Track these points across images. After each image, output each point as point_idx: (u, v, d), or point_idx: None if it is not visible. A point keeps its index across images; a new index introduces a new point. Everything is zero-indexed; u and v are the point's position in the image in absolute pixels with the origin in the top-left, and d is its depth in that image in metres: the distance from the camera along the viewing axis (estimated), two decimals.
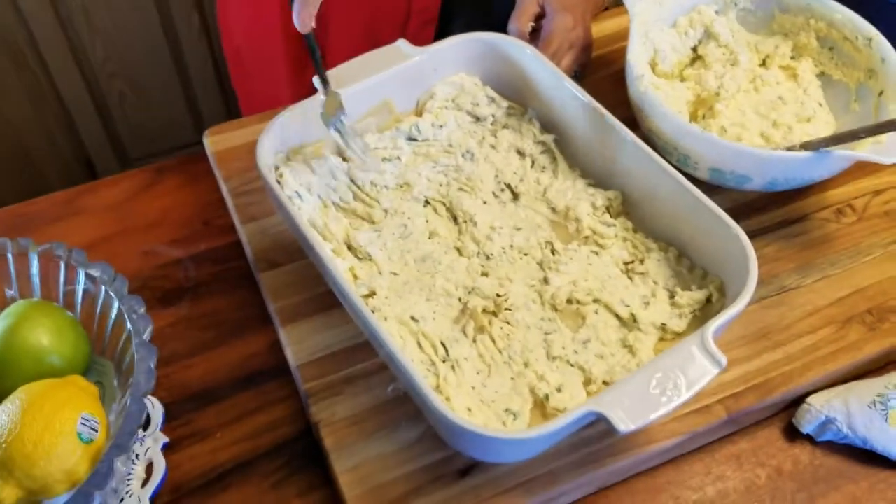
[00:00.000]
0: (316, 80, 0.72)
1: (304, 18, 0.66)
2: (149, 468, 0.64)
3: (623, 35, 0.91)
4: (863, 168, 0.83)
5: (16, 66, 1.57)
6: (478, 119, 0.81)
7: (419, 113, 0.81)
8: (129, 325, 0.58)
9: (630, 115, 0.80)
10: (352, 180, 0.75)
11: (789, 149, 0.74)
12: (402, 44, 0.78)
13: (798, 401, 0.69)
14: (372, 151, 0.75)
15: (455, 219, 0.75)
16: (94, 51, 1.62)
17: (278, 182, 0.72)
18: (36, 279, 0.65)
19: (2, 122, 1.63)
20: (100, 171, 1.79)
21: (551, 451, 0.64)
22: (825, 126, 0.80)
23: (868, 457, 0.67)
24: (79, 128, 1.73)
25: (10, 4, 1.48)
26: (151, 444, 0.65)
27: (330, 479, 0.64)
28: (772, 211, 0.80)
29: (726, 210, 0.65)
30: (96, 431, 0.54)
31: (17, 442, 0.52)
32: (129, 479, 0.62)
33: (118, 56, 1.65)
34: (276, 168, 0.73)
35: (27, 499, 0.53)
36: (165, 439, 0.66)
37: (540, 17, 0.88)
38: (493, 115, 0.81)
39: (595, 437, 0.65)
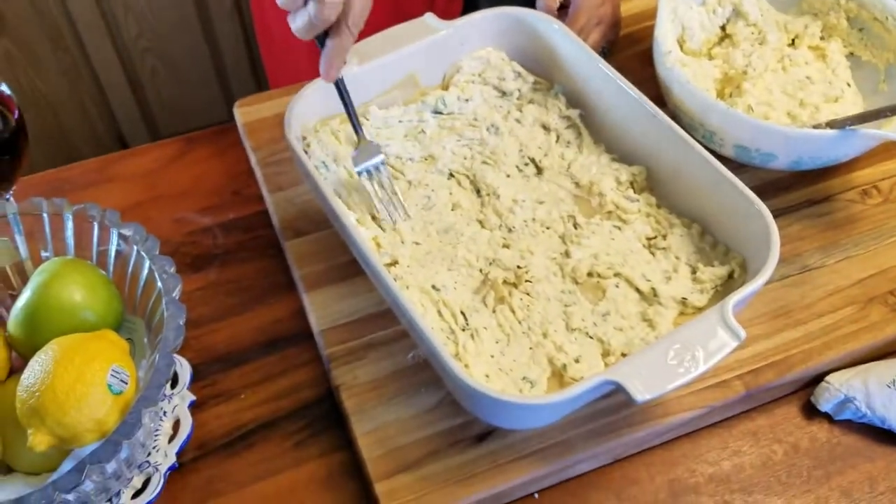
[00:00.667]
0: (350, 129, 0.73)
1: (330, 75, 0.68)
2: (176, 425, 0.66)
3: (651, 14, 0.90)
4: (889, 150, 0.83)
5: (53, 44, 1.60)
6: (503, 93, 0.81)
7: (445, 87, 0.81)
8: (159, 283, 0.60)
9: (656, 93, 0.80)
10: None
11: (815, 127, 0.74)
12: (428, 17, 0.79)
13: (817, 379, 0.69)
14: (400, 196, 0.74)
15: (478, 191, 0.75)
16: (127, 27, 1.65)
17: (305, 152, 0.73)
18: (70, 239, 0.67)
19: (38, 97, 1.67)
20: (131, 146, 1.82)
21: (568, 419, 0.64)
22: (853, 107, 0.79)
23: (886, 436, 0.67)
24: (111, 103, 1.76)
25: None
26: (179, 401, 0.66)
27: (350, 441, 0.66)
28: (797, 190, 0.80)
29: (751, 188, 0.65)
30: (126, 384, 0.56)
31: (50, 391, 0.54)
32: (156, 435, 0.64)
33: (151, 32, 1.67)
34: (304, 138, 0.75)
35: (58, 446, 0.55)
36: (192, 398, 0.67)
37: None
38: (519, 90, 0.81)
39: (612, 407, 0.65)
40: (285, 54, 1.15)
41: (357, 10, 0.64)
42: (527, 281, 0.69)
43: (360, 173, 0.72)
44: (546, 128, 0.79)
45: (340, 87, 0.70)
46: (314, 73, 0.92)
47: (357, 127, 0.72)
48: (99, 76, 1.70)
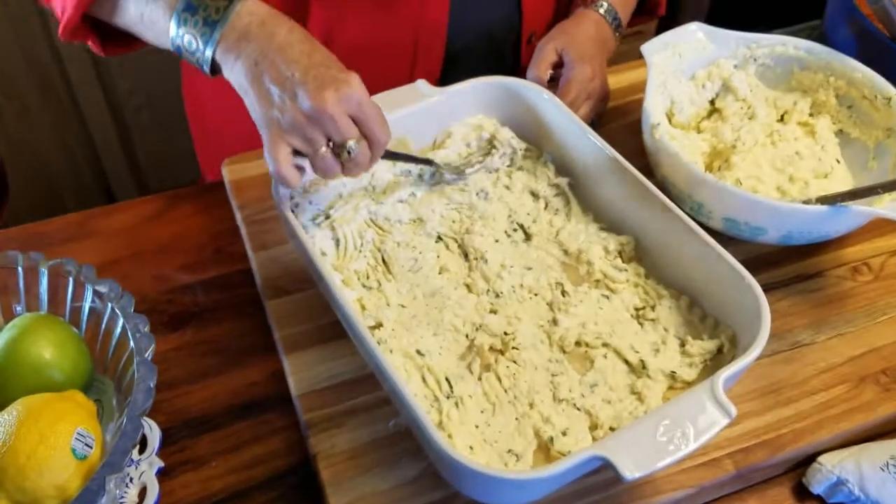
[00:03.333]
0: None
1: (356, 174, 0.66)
2: (142, 493, 0.63)
3: (639, 88, 0.92)
4: (880, 227, 0.83)
5: (43, 95, 1.61)
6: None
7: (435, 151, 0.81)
8: (132, 342, 0.58)
9: (644, 164, 0.80)
10: (368, 213, 0.75)
11: (806, 202, 0.74)
12: (420, 83, 0.79)
13: (809, 459, 0.67)
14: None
15: (466, 255, 0.74)
16: (121, 82, 1.66)
17: (293, 211, 0.72)
18: (44, 294, 0.65)
19: (26, 148, 1.66)
20: (119, 200, 1.81)
21: (554, 497, 0.62)
22: (842, 183, 0.80)
23: None
24: (101, 157, 1.76)
25: (47, 41, 1.53)
26: (146, 468, 0.63)
27: None
28: (787, 265, 0.79)
29: (741, 262, 0.64)
30: (91, 448, 0.53)
31: (11, 453, 0.51)
32: (121, 502, 0.61)
33: (144, 89, 1.68)
34: (292, 198, 0.74)
35: None
36: (160, 464, 0.64)
37: (557, 66, 0.89)
38: (511, 158, 0.81)
39: (600, 485, 0.63)
40: (219, 139, 1.07)
41: (382, 138, 0.64)
42: (513, 348, 0.67)
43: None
44: (535, 195, 0.79)
45: (391, 156, 0.72)
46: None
47: (420, 161, 0.75)
48: (89, 129, 1.70)
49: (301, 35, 0.62)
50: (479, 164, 0.79)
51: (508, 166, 0.81)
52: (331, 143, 0.62)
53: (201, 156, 1.13)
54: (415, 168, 0.79)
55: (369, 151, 0.63)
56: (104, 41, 0.71)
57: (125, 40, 0.71)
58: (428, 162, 0.76)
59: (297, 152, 0.62)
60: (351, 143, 0.62)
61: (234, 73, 0.62)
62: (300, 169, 0.64)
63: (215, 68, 0.64)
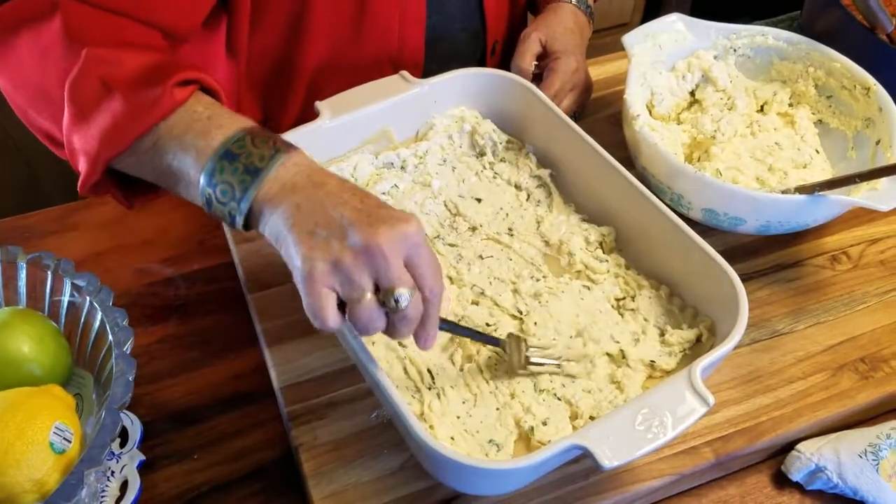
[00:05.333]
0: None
1: (430, 343, 0.56)
2: (124, 486, 0.63)
3: (621, 79, 0.92)
4: (858, 216, 0.83)
5: None
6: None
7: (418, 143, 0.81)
8: (110, 336, 0.57)
9: (625, 156, 0.80)
10: None
11: (784, 192, 0.74)
12: (403, 74, 0.79)
13: (788, 447, 0.68)
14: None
15: (449, 246, 0.74)
16: None
17: None
18: (23, 288, 0.65)
19: (10, 143, 1.65)
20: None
21: (535, 486, 0.62)
22: (821, 173, 0.80)
23: None
24: None
25: None
26: (128, 461, 0.63)
27: None
28: (766, 255, 0.80)
29: (719, 252, 0.65)
30: (69, 442, 0.53)
31: None
32: (102, 496, 0.61)
33: None
34: None
35: None
36: (142, 458, 0.64)
37: (541, 58, 0.90)
38: (493, 149, 0.81)
39: (580, 473, 0.64)
40: None
41: (436, 289, 0.53)
42: None
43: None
44: (517, 186, 0.79)
45: (449, 327, 0.62)
46: None
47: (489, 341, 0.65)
48: None
49: (352, 185, 0.54)
50: (545, 360, 0.66)
51: (490, 161, 0.81)
52: (381, 294, 0.51)
53: None
54: (397, 160, 0.79)
55: (421, 306, 0.53)
56: (127, 194, 0.64)
57: (150, 189, 0.63)
58: (494, 341, 0.65)
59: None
60: (401, 291, 0.51)
61: (272, 222, 0.52)
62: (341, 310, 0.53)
63: (249, 221, 0.54)
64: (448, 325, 0.61)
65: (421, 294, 0.52)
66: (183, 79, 0.57)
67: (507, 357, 0.65)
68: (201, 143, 0.54)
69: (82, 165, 0.59)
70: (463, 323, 0.68)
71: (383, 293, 0.51)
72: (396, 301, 0.51)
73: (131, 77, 0.57)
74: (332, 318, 0.51)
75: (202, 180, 0.54)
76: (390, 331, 0.53)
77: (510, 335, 0.66)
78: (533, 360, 0.65)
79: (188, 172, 0.55)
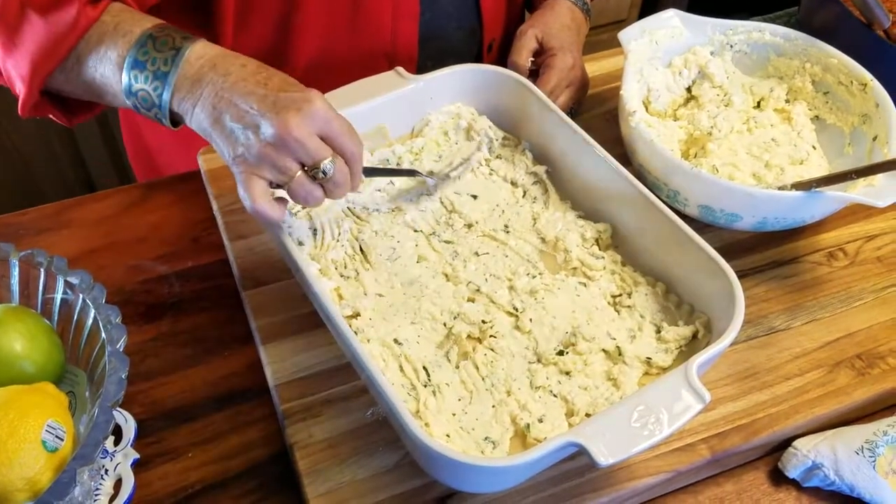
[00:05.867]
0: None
1: (357, 187, 0.64)
2: (118, 485, 0.62)
3: (617, 75, 0.92)
4: (855, 212, 0.83)
5: None
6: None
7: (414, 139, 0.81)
8: (103, 334, 0.57)
9: (621, 152, 0.80)
10: (346, 202, 0.75)
11: (781, 188, 0.74)
12: (398, 71, 0.78)
13: (784, 444, 0.68)
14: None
15: (446, 243, 0.74)
16: None
17: None
18: (15, 286, 0.64)
19: (6, 141, 1.64)
20: None
21: (531, 483, 0.62)
22: (818, 169, 0.80)
23: None
24: (82, 150, 1.74)
25: None
26: (121, 459, 0.63)
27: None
28: (762, 251, 0.80)
29: (716, 248, 0.64)
30: (62, 440, 0.53)
31: None
32: (96, 494, 0.61)
33: None
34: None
35: None
36: (136, 456, 0.64)
37: (537, 54, 0.89)
38: (489, 146, 0.81)
39: (576, 471, 0.63)
40: (157, 155, 1.04)
41: (355, 150, 0.60)
42: (491, 336, 0.67)
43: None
44: (513, 183, 0.79)
45: (372, 172, 0.71)
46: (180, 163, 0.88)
47: (403, 173, 0.75)
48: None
49: (255, 66, 0.60)
50: (461, 167, 0.78)
51: (487, 158, 0.80)
52: (305, 168, 0.58)
53: (136, 168, 1.08)
54: (392, 156, 0.78)
55: (346, 168, 0.60)
56: (65, 111, 0.68)
57: (87, 106, 0.69)
58: (411, 172, 0.75)
59: (275, 186, 0.60)
60: (325, 164, 0.58)
61: (196, 121, 0.59)
62: (282, 201, 0.61)
63: (175, 120, 0.61)
64: (366, 171, 0.68)
65: (343, 158, 0.59)
66: None
67: (427, 178, 0.74)
68: (113, 54, 0.60)
69: (19, 88, 0.63)
70: (458, 320, 0.68)
71: (310, 169, 0.58)
72: (324, 172, 0.58)
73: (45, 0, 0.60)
74: (263, 204, 0.58)
75: (123, 90, 0.60)
76: (330, 197, 0.61)
77: (428, 172, 0.75)
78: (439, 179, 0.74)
79: (111, 85, 0.61)
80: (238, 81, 0.58)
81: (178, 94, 0.59)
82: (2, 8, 0.60)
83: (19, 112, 0.65)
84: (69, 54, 0.61)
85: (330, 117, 0.58)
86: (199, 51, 0.59)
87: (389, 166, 0.76)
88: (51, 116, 0.68)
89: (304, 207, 0.62)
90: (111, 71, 0.60)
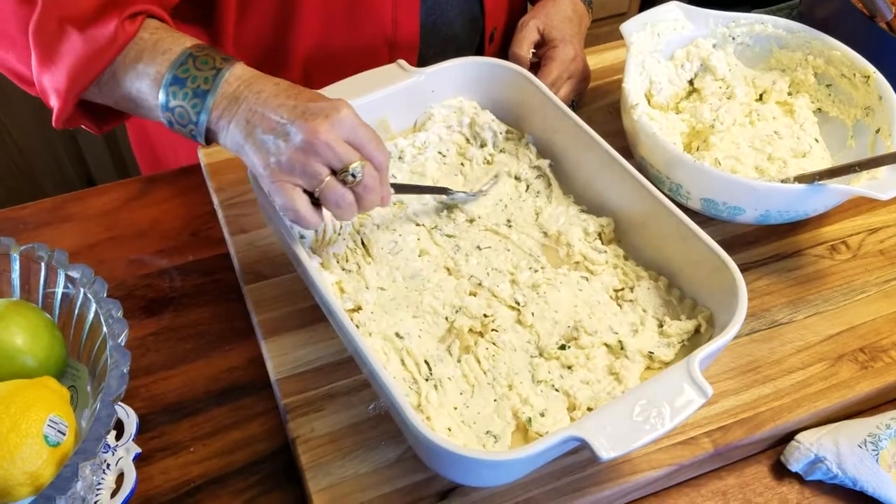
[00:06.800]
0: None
1: (386, 201, 0.64)
2: (120, 479, 0.62)
3: (619, 68, 0.91)
4: (858, 205, 0.83)
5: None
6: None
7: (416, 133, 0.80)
8: (104, 328, 0.57)
9: (624, 145, 0.79)
10: None
11: (783, 181, 0.74)
12: (400, 63, 0.78)
13: (787, 437, 0.68)
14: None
15: (447, 237, 0.74)
16: None
17: None
18: (16, 280, 0.64)
19: (6, 135, 1.64)
20: None
21: (533, 477, 0.62)
22: (821, 162, 0.80)
23: (858, 498, 0.66)
24: (81, 145, 1.73)
25: None
26: (123, 454, 0.63)
27: (304, 498, 0.63)
28: (765, 245, 0.79)
29: (718, 242, 0.64)
30: (64, 435, 0.53)
31: None
32: (98, 489, 0.61)
33: None
34: None
35: None
36: (138, 450, 0.64)
37: (539, 46, 0.89)
38: (493, 140, 0.81)
39: (578, 465, 0.63)
40: (158, 146, 1.04)
41: (382, 158, 0.61)
42: (493, 330, 0.67)
43: None
44: (517, 178, 0.79)
45: (401, 189, 0.70)
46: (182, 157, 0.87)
47: (434, 190, 0.74)
48: None
49: (287, 85, 0.61)
50: (490, 183, 0.77)
51: (491, 153, 0.80)
52: (335, 173, 0.59)
53: (140, 158, 1.09)
54: (395, 150, 0.78)
55: (376, 173, 0.61)
56: (96, 120, 0.69)
57: (116, 114, 0.70)
58: (442, 191, 0.74)
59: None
60: (354, 166, 0.59)
61: (230, 138, 0.60)
62: (318, 207, 0.61)
63: (209, 137, 0.62)
64: (398, 187, 0.69)
65: (371, 164, 0.60)
66: (134, 11, 0.62)
67: (457, 195, 0.74)
68: (151, 70, 0.61)
69: (54, 102, 0.64)
70: (460, 314, 0.67)
71: (340, 173, 0.59)
72: (353, 175, 0.59)
73: (87, 15, 0.61)
74: (305, 210, 0.59)
75: (159, 107, 0.61)
76: (360, 204, 0.61)
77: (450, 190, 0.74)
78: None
79: (146, 100, 0.62)
80: (270, 97, 0.59)
81: (215, 112, 0.60)
82: (39, 23, 0.60)
83: (53, 124, 0.65)
84: (106, 69, 0.62)
85: (357, 125, 0.59)
86: (238, 72, 0.61)
87: (417, 183, 0.76)
88: (82, 126, 0.69)
89: (337, 219, 0.63)
90: (148, 87, 0.61)
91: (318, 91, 0.62)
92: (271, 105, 0.59)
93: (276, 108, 0.59)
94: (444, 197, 0.76)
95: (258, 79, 0.61)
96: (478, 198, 0.76)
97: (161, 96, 0.60)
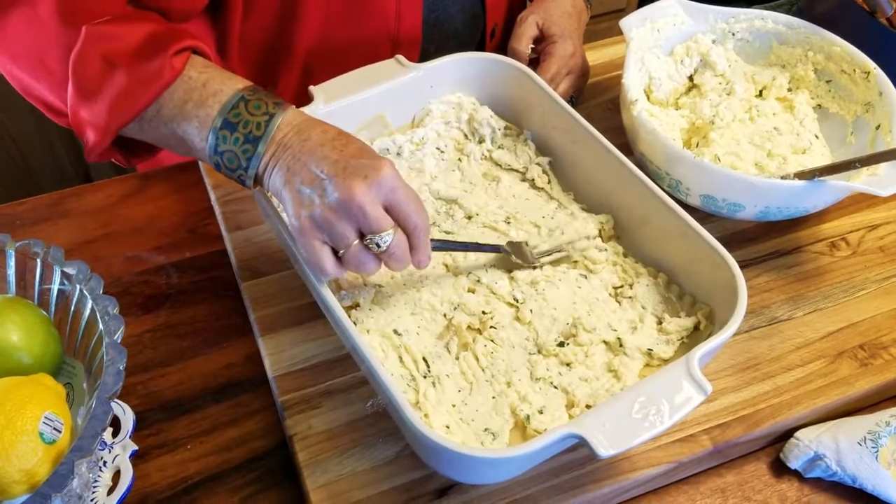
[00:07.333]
0: None
1: (425, 263, 0.62)
2: (116, 476, 0.62)
3: (618, 64, 0.91)
4: (858, 202, 0.83)
5: None
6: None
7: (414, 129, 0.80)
8: (101, 325, 0.57)
9: (623, 142, 0.79)
10: None
11: (783, 177, 0.73)
12: (399, 59, 0.78)
13: (786, 435, 0.68)
14: None
15: (445, 234, 0.74)
16: None
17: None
18: (12, 276, 0.64)
19: (3, 132, 1.63)
20: None
21: (531, 474, 0.62)
22: (821, 158, 0.79)
23: (857, 495, 0.66)
24: (79, 142, 1.73)
25: None
26: (120, 451, 0.63)
27: (302, 496, 0.63)
28: (764, 241, 0.79)
29: (718, 238, 0.64)
30: (59, 432, 0.53)
31: None
32: (95, 487, 0.61)
33: None
34: None
35: None
36: (134, 447, 0.64)
37: (538, 41, 0.88)
38: (492, 136, 0.80)
39: (577, 462, 0.63)
40: None
41: (419, 223, 0.59)
42: (491, 327, 0.67)
43: None
44: (522, 175, 0.78)
45: (445, 247, 0.67)
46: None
47: (488, 249, 0.70)
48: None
49: (335, 133, 0.60)
50: (552, 255, 0.71)
51: (489, 149, 0.80)
52: (365, 239, 0.57)
53: None
54: (393, 146, 0.78)
55: (405, 242, 0.59)
56: (127, 154, 0.68)
57: (149, 149, 0.68)
58: (494, 249, 0.70)
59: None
60: (383, 236, 0.57)
61: (272, 182, 0.59)
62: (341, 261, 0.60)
63: (257, 181, 0.61)
64: (442, 245, 0.67)
65: (405, 230, 0.59)
66: (180, 48, 0.61)
67: (514, 259, 0.70)
68: (201, 112, 0.59)
69: (90, 136, 0.62)
70: (458, 311, 0.67)
71: (367, 239, 0.57)
72: (378, 245, 0.57)
73: (132, 51, 0.60)
74: (329, 265, 0.58)
75: (208, 149, 0.60)
76: (388, 267, 0.60)
77: (509, 242, 0.71)
78: (538, 253, 0.71)
79: (193, 142, 0.60)
80: (315, 147, 0.58)
81: (264, 158, 0.59)
82: (80, 56, 0.59)
83: (85, 157, 0.64)
84: (150, 107, 0.60)
85: (396, 186, 0.57)
86: (290, 117, 0.60)
87: (464, 240, 0.71)
88: (114, 159, 0.68)
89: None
90: (195, 129, 0.60)
91: (361, 147, 0.59)
92: (315, 155, 0.57)
93: (319, 159, 0.57)
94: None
95: (307, 125, 0.60)
96: (531, 265, 0.70)
97: (210, 139, 0.59)
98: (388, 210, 0.57)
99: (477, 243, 0.70)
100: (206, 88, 0.60)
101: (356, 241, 0.57)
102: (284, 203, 0.59)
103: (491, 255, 0.71)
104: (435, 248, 0.64)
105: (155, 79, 0.59)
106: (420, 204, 0.59)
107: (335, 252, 0.58)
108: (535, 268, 0.70)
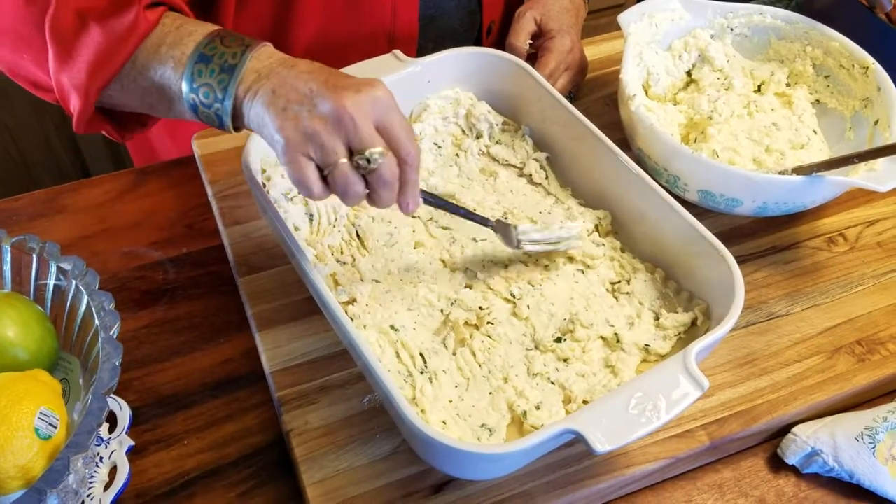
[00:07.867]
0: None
1: (411, 208, 0.58)
2: (112, 472, 0.62)
3: (617, 59, 0.91)
4: (856, 197, 0.82)
5: None
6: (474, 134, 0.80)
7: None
8: (97, 320, 0.56)
9: (621, 138, 0.79)
10: None
11: (781, 173, 0.73)
12: (396, 54, 0.77)
13: (783, 430, 0.68)
14: None
15: (442, 229, 0.73)
16: None
17: (265, 185, 0.71)
18: (8, 272, 0.63)
19: (2, 130, 1.63)
20: None
21: (528, 470, 0.62)
22: (819, 154, 0.79)
23: (854, 491, 0.66)
24: (77, 137, 1.73)
25: None
26: (116, 447, 0.63)
27: (299, 491, 0.62)
28: (762, 237, 0.79)
29: (715, 234, 0.64)
30: (55, 428, 0.53)
31: None
32: (91, 482, 0.60)
33: None
34: (264, 171, 0.72)
35: None
36: (131, 443, 0.64)
37: (536, 37, 0.88)
38: (490, 131, 0.80)
39: (574, 457, 0.63)
40: (155, 139, 1.01)
41: (412, 151, 0.55)
42: (488, 323, 0.66)
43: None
44: (520, 171, 0.78)
45: (435, 203, 0.65)
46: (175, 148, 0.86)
47: (474, 218, 0.68)
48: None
49: (322, 65, 0.57)
50: (540, 245, 0.69)
51: (487, 144, 0.80)
52: (354, 157, 0.54)
53: (134, 151, 1.08)
54: None
55: (397, 168, 0.55)
56: (118, 126, 0.66)
57: (139, 120, 0.67)
58: (482, 221, 0.68)
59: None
60: (374, 151, 0.53)
61: (253, 111, 0.55)
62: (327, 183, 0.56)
63: (235, 117, 0.57)
64: (433, 199, 0.63)
65: (397, 157, 0.55)
66: (152, 1, 0.60)
67: (498, 237, 0.68)
68: (176, 52, 0.57)
69: (74, 102, 0.60)
70: (455, 307, 0.67)
71: (356, 155, 0.53)
72: (368, 160, 0.53)
73: (104, 5, 0.59)
74: (315, 184, 0.54)
75: (184, 87, 0.57)
76: (372, 197, 0.56)
77: (497, 220, 0.69)
78: (526, 240, 0.68)
79: (170, 85, 0.58)
80: (303, 72, 0.55)
81: (242, 85, 0.56)
82: (55, 17, 0.58)
83: (74, 128, 0.63)
84: (127, 60, 0.59)
85: (391, 107, 0.54)
86: (270, 50, 0.58)
87: (455, 204, 0.69)
88: (103, 133, 0.66)
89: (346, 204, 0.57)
90: (171, 70, 0.57)
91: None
92: (303, 78, 0.54)
93: (308, 80, 0.54)
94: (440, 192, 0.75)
95: (292, 59, 0.57)
96: (520, 248, 0.69)
97: (186, 76, 0.56)
98: (379, 132, 0.54)
99: (466, 209, 0.68)
100: (179, 31, 0.58)
101: (344, 159, 0.53)
102: (267, 125, 0.54)
103: (488, 251, 0.71)
104: (424, 200, 0.60)
105: (130, 32, 0.58)
106: (413, 135, 0.56)
107: (321, 172, 0.55)
108: (519, 250, 0.68)
